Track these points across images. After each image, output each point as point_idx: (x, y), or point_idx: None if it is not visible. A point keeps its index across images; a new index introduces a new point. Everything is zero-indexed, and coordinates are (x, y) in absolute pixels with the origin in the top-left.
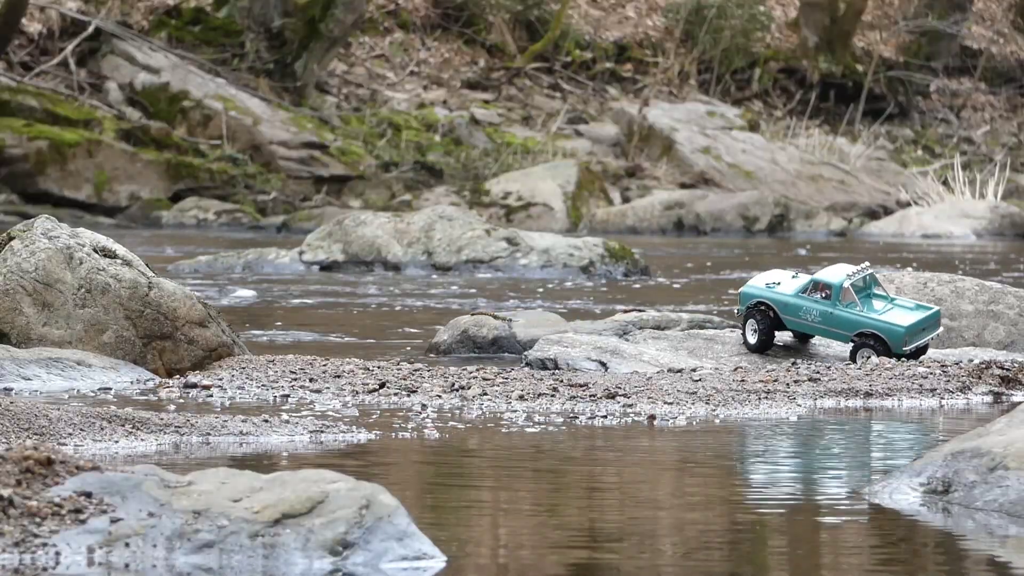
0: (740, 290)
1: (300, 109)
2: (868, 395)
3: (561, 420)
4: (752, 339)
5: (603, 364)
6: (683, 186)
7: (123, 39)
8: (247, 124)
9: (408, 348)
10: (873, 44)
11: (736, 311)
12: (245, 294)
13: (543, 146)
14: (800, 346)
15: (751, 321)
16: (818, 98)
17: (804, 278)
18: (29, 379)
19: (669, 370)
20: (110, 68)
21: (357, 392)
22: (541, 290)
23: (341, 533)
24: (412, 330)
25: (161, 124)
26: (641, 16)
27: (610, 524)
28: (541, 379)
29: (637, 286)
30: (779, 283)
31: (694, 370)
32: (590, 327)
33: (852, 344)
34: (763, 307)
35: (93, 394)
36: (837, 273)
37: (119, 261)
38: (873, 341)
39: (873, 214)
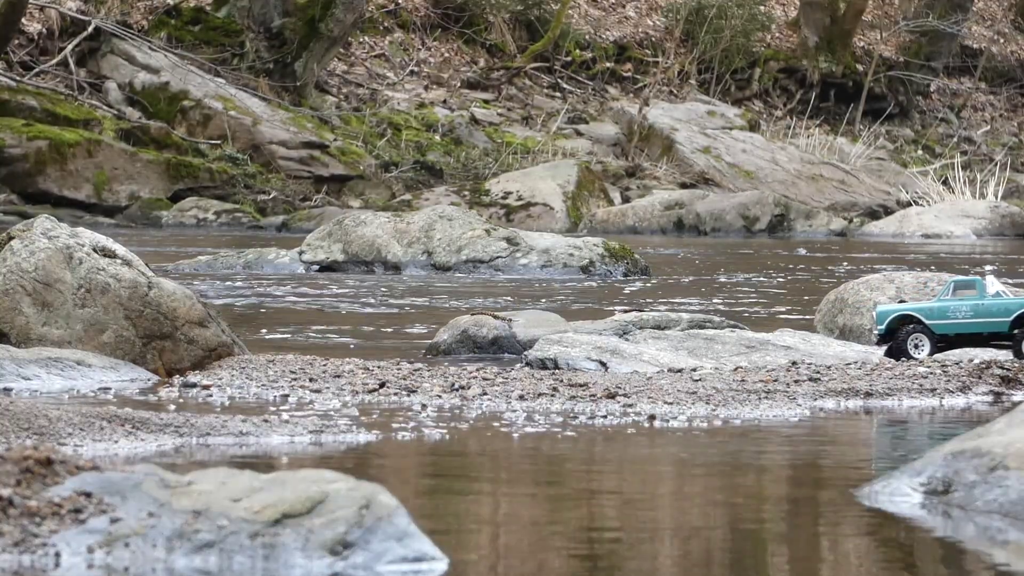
0: (877, 311)
1: (300, 109)
2: (868, 395)
3: (561, 420)
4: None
5: (603, 364)
6: (683, 186)
7: (123, 39)
8: (247, 124)
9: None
10: (873, 44)
11: (875, 333)
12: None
13: (543, 146)
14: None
15: (914, 337)
16: (818, 98)
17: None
18: (29, 379)
19: (669, 370)
20: (110, 68)
21: (357, 392)
22: (541, 290)
23: (341, 533)
24: (412, 330)
25: (161, 124)
26: (641, 16)
27: (609, 524)
28: (541, 379)
29: (637, 286)
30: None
31: (694, 370)
32: (590, 327)
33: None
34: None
35: (93, 394)
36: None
37: (119, 261)
38: None
39: (873, 214)
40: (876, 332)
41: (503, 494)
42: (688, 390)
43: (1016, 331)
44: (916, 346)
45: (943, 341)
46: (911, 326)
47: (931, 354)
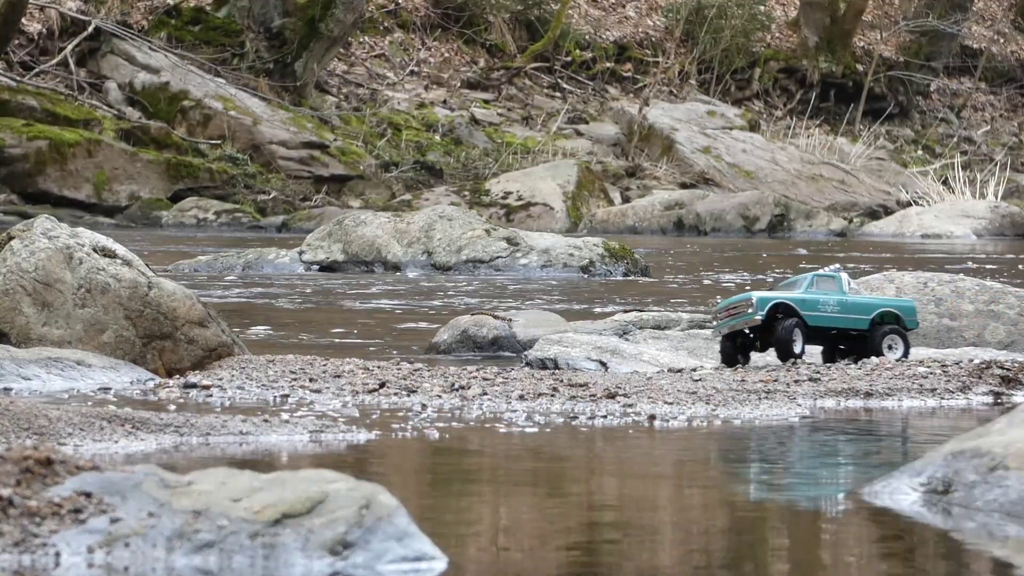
0: (756, 297)
1: (300, 109)
2: (868, 395)
3: (561, 420)
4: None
5: (603, 364)
6: (683, 186)
7: (123, 39)
8: (247, 124)
9: (414, 348)
10: (873, 44)
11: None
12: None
13: (543, 146)
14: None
15: (795, 330)
16: (818, 98)
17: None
18: (29, 379)
19: (669, 370)
20: (110, 68)
21: (357, 392)
22: (541, 290)
23: (341, 533)
24: (412, 330)
25: (161, 124)
26: (641, 16)
27: (610, 523)
28: (541, 379)
29: (637, 286)
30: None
31: (694, 370)
32: (590, 327)
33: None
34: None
35: (93, 394)
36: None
37: (119, 261)
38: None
39: (873, 214)
40: (755, 317)
41: (503, 494)
42: (688, 390)
43: (872, 330)
44: (794, 340)
45: (813, 335)
46: (792, 319)
47: (803, 350)
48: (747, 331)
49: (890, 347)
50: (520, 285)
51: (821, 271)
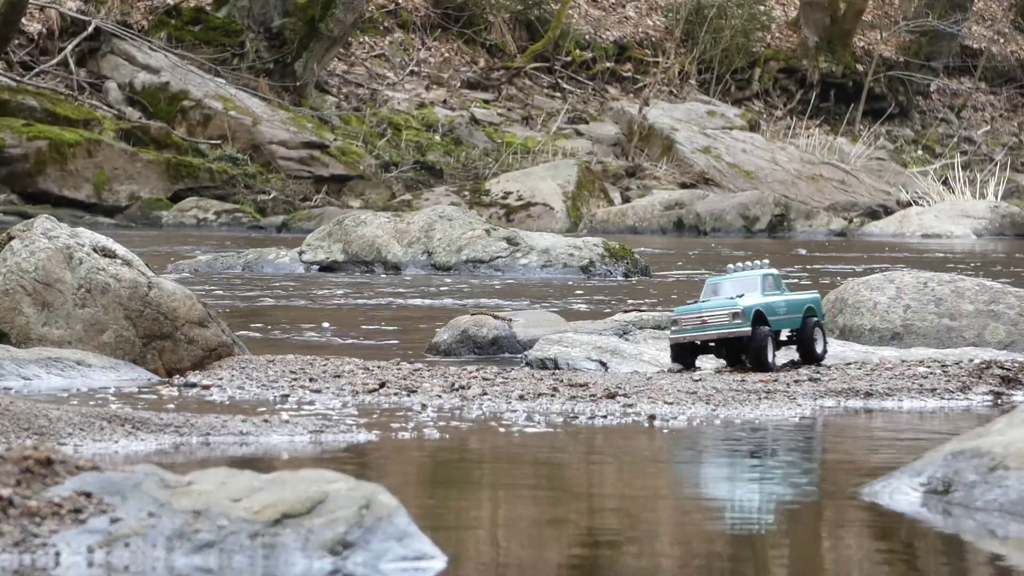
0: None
1: (300, 109)
2: (868, 395)
3: (561, 420)
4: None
5: (603, 364)
6: (683, 186)
7: (123, 39)
8: (247, 124)
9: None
10: (873, 44)
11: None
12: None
13: (543, 146)
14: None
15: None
16: (818, 98)
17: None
18: (29, 379)
19: (669, 370)
20: (110, 68)
21: (357, 392)
22: (541, 290)
23: (341, 533)
24: (412, 330)
25: (161, 124)
26: (641, 16)
27: (609, 523)
28: (541, 379)
29: (637, 286)
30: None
31: (695, 369)
32: (590, 327)
33: (795, 333)
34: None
35: (93, 394)
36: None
37: (119, 261)
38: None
39: (873, 214)
40: (687, 332)
41: (503, 494)
42: (688, 390)
43: (803, 326)
44: (766, 348)
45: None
46: (765, 327)
47: (774, 358)
48: (713, 343)
49: (815, 340)
50: (520, 285)
51: (767, 270)
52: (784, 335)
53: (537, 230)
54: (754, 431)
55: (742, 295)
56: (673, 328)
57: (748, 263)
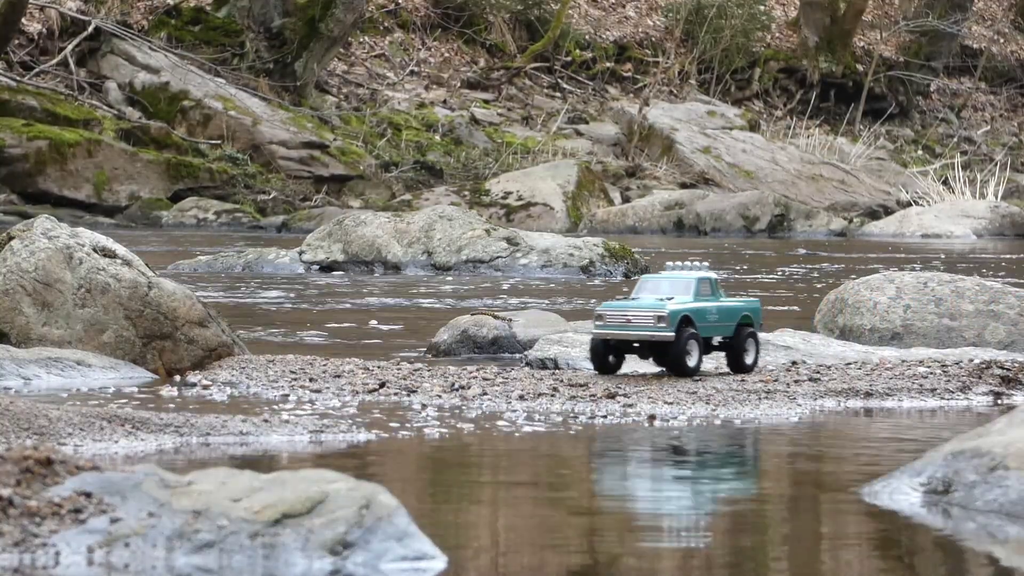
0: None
1: (300, 109)
2: (868, 395)
3: (561, 420)
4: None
5: None
6: (683, 186)
7: (123, 39)
8: (247, 124)
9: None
10: (873, 44)
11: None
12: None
13: (543, 146)
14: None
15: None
16: (818, 98)
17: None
18: (29, 379)
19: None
20: (110, 68)
21: (357, 392)
22: (541, 290)
23: (341, 533)
24: (412, 330)
25: (161, 124)
26: (641, 16)
27: (609, 523)
28: (541, 379)
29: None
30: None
31: None
32: (590, 327)
33: (730, 340)
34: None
35: (93, 394)
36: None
37: (119, 261)
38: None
39: (873, 214)
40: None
41: (503, 494)
42: (688, 390)
43: (737, 334)
44: (689, 354)
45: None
46: (690, 332)
47: (698, 364)
48: (636, 343)
49: (746, 351)
50: (520, 285)
51: (703, 273)
52: (716, 341)
53: (537, 230)
54: (754, 430)
55: (672, 297)
56: (596, 323)
57: (689, 262)
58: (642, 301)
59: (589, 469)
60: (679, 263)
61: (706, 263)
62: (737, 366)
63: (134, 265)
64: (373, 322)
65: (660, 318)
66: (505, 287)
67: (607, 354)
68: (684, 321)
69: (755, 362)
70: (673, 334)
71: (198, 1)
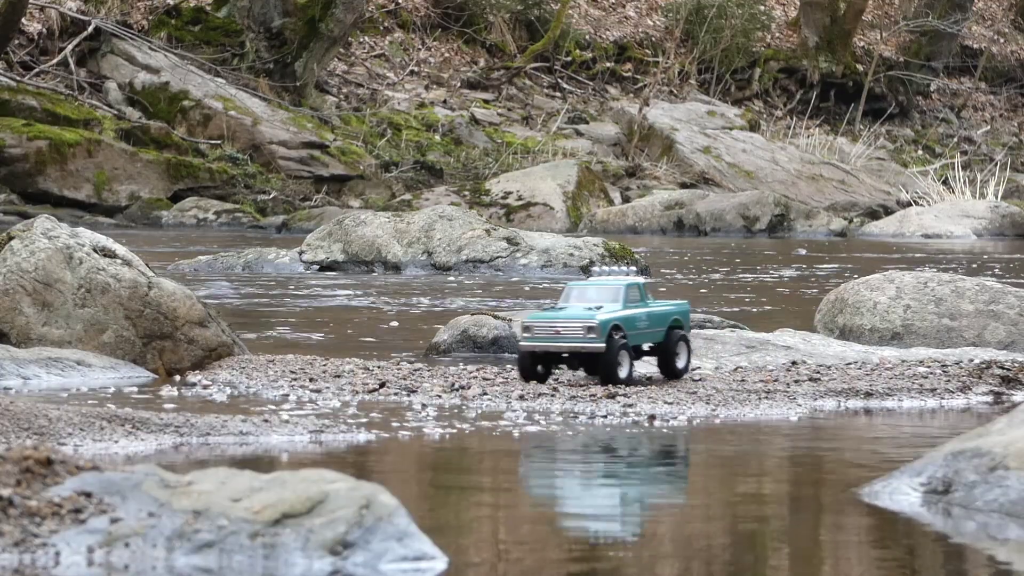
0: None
1: (300, 109)
2: (868, 395)
3: (561, 420)
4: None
5: None
6: (683, 186)
7: (123, 39)
8: (247, 124)
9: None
10: (873, 44)
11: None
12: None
13: (543, 146)
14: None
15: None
16: (818, 98)
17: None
18: (28, 379)
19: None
20: (110, 68)
21: (357, 392)
22: (541, 290)
23: (341, 533)
24: (412, 330)
25: (161, 124)
26: (641, 16)
27: (609, 522)
28: None
29: None
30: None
31: (694, 370)
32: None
33: (660, 344)
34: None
35: (93, 394)
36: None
37: (119, 261)
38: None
39: (873, 214)
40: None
41: (503, 494)
42: (688, 390)
43: (667, 338)
44: (620, 364)
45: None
46: (622, 341)
47: (629, 374)
48: (566, 355)
49: (677, 355)
50: (520, 285)
51: (631, 279)
52: (647, 346)
53: (537, 230)
54: (755, 430)
55: (600, 306)
56: (524, 336)
57: (616, 267)
58: (571, 311)
59: (588, 468)
60: (606, 268)
61: (633, 268)
62: (668, 371)
63: (134, 265)
64: (382, 324)
65: (590, 329)
66: (505, 287)
67: (535, 365)
68: (614, 330)
69: (687, 366)
70: (604, 345)
71: (198, 1)
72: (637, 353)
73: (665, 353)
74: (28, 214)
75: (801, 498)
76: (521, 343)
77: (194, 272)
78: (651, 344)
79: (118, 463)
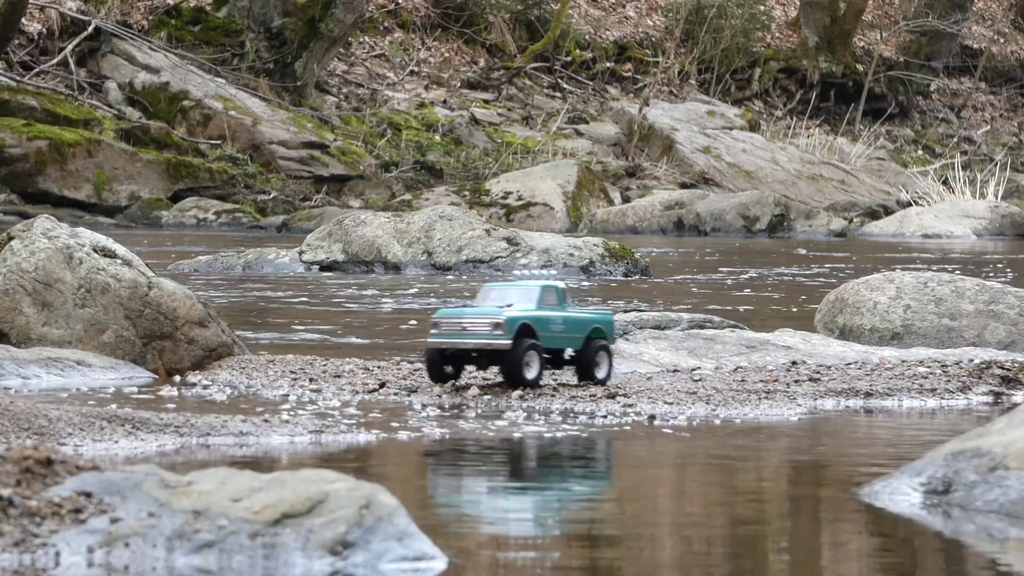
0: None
1: (300, 109)
2: (868, 395)
3: (561, 419)
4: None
5: None
6: (683, 186)
7: (123, 39)
8: (247, 124)
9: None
10: (873, 44)
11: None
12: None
13: (543, 146)
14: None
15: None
16: (818, 98)
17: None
18: (28, 379)
19: (668, 370)
20: (110, 68)
21: (357, 392)
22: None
23: (341, 533)
24: (412, 330)
25: (161, 124)
26: (641, 16)
27: (609, 522)
28: None
29: (638, 286)
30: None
31: (694, 370)
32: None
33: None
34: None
35: (93, 394)
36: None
37: (119, 261)
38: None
39: (873, 214)
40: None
41: (503, 493)
42: (688, 390)
43: (586, 347)
44: (528, 364)
45: (546, 358)
46: (529, 341)
47: (538, 376)
48: (474, 352)
49: (597, 365)
50: None
51: (549, 282)
52: (568, 354)
53: (537, 230)
54: (755, 430)
55: (511, 304)
56: (432, 332)
57: (537, 271)
58: (479, 308)
59: (589, 468)
60: (526, 272)
61: (554, 272)
62: (588, 379)
63: (134, 265)
64: (382, 324)
65: (497, 325)
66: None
67: (444, 363)
68: (523, 330)
69: (607, 376)
70: (510, 342)
71: (198, 1)
72: (557, 361)
73: (583, 361)
74: (28, 214)
75: (801, 498)
76: (428, 339)
77: (194, 272)
78: (572, 353)
79: (118, 463)
